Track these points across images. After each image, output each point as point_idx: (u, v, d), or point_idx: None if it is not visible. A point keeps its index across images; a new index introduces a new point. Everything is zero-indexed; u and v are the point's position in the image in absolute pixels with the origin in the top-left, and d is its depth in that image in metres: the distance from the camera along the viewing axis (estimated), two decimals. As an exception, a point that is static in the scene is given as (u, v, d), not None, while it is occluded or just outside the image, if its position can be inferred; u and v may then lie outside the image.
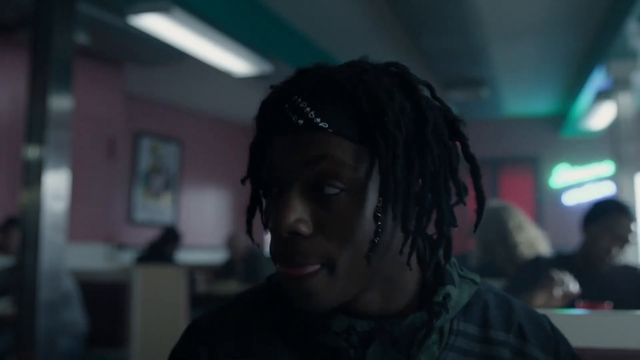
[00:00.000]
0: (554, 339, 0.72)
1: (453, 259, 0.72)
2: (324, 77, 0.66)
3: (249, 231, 0.77)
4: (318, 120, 0.62)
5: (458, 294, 0.69)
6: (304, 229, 0.61)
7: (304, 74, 0.69)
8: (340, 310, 0.67)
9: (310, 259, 0.61)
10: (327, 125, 0.62)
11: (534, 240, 2.83)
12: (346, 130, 0.62)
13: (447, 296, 0.67)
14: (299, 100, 0.65)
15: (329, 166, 0.61)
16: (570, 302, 1.92)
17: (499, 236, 2.81)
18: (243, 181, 0.75)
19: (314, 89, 0.65)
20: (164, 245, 5.42)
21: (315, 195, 0.62)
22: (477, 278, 0.73)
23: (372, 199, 0.62)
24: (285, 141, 0.64)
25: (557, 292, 1.81)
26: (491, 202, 3.00)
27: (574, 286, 1.83)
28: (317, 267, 0.61)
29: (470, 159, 0.74)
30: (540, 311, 0.77)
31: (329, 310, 0.64)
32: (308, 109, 0.63)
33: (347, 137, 0.62)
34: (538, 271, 2.24)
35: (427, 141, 0.65)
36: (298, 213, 0.61)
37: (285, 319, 0.70)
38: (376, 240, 0.62)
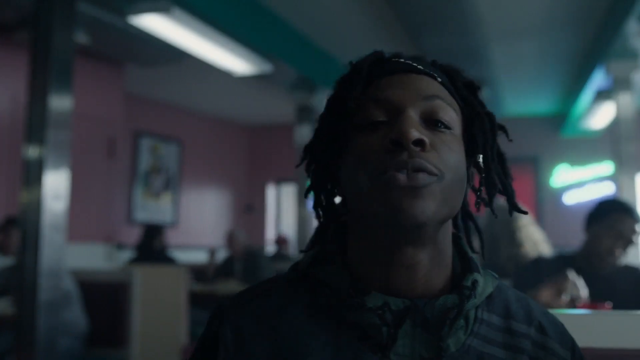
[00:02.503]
0: (569, 337, 0.75)
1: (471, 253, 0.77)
2: (411, 56, 0.76)
3: (318, 204, 0.78)
4: (428, 70, 0.73)
5: (484, 282, 0.72)
6: (427, 140, 0.66)
7: (382, 52, 0.78)
8: (375, 288, 0.69)
9: (430, 165, 0.65)
10: (436, 75, 0.73)
11: (538, 242, 2.85)
12: (449, 87, 0.73)
13: (475, 282, 0.70)
14: (401, 59, 0.74)
15: (443, 104, 0.70)
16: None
17: (505, 233, 2.82)
18: (311, 145, 0.78)
19: (410, 58, 0.75)
20: (149, 242, 5.38)
21: (428, 126, 0.69)
22: (497, 277, 0.76)
23: (463, 147, 0.72)
24: (400, 79, 0.71)
25: (567, 294, 1.80)
26: (499, 201, 2.99)
27: (584, 291, 1.83)
28: (433, 176, 0.66)
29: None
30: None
31: (426, 222, 0.66)
32: (415, 64, 0.73)
33: (450, 92, 0.73)
34: (539, 272, 2.24)
35: (494, 122, 0.77)
36: (419, 128, 0.67)
37: (313, 300, 0.71)
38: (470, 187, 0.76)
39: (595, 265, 2.25)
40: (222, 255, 5.76)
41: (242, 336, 0.70)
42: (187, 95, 7.15)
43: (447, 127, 0.69)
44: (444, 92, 0.72)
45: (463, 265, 0.74)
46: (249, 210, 8.71)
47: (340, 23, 4.78)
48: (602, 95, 5.47)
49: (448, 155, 0.68)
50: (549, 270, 2.25)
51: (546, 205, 7.64)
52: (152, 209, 7.09)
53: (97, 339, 3.67)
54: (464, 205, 0.79)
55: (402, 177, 0.64)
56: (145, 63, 5.39)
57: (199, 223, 7.66)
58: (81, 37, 4.20)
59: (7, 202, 4.49)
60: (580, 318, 1.06)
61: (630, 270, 2.29)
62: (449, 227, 0.72)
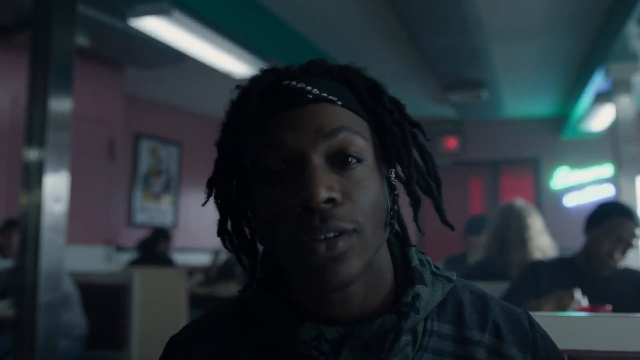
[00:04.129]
0: (531, 335, 0.70)
1: (427, 258, 0.72)
2: (303, 68, 0.68)
3: (238, 249, 0.72)
4: (325, 94, 0.64)
5: (430, 293, 0.68)
6: (337, 195, 0.61)
7: (272, 70, 0.69)
8: (309, 318, 0.66)
9: (346, 223, 0.60)
10: (336, 99, 0.64)
11: (547, 250, 2.80)
12: (353, 105, 0.65)
13: (416, 296, 0.66)
14: (293, 82, 0.65)
15: (349, 135, 0.62)
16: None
17: (519, 240, 2.75)
18: (213, 182, 0.71)
19: (302, 74, 0.67)
20: (153, 244, 5.38)
21: (335, 166, 0.63)
22: (453, 275, 0.71)
23: (380, 171, 0.66)
24: (294, 116, 0.63)
25: (569, 309, 1.79)
26: (517, 202, 2.91)
27: (584, 302, 1.82)
28: (351, 233, 0.61)
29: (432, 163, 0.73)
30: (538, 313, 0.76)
31: (353, 281, 0.62)
32: (309, 88, 0.64)
33: (355, 112, 0.65)
34: (538, 275, 2.24)
35: (405, 128, 0.69)
36: (327, 181, 0.60)
37: (258, 330, 0.69)
38: (395, 208, 0.68)
39: (595, 268, 2.25)
40: (225, 257, 5.77)
41: None
42: (187, 97, 7.15)
43: (358, 160, 0.63)
44: (347, 117, 0.64)
45: (408, 276, 0.69)
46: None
47: (340, 25, 4.78)
48: (602, 97, 5.47)
49: (363, 198, 0.62)
50: (548, 273, 2.25)
51: (546, 207, 7.64)
52: (152, 211, 7.08)
53: (97, 341, 3.67)
54: (399, 218, 0.72)
55: (320, 247, 0.60)
56: (145, 65, 5.39)
57: (199, 225, 7.65)
58: (81, 39, 4.21)
59: (7, 204, 4.48)
60: (580, 321, 1.06)
61: (630, 273, 2.29)
62: (383, 250, 0.68)
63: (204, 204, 0.71)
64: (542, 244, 2.79)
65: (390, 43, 5.09)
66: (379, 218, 0.64)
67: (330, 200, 0.60)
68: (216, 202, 0.71)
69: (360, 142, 0.64)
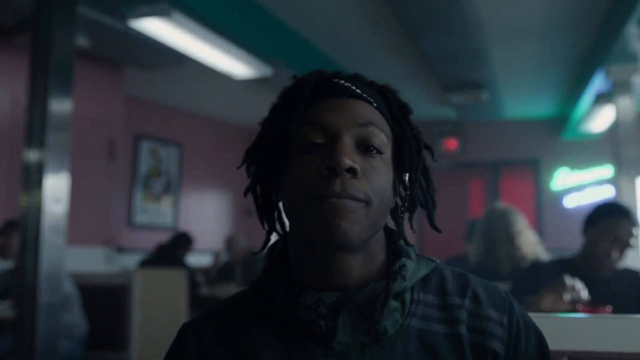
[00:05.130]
0: (507, 301, 0.80)
1: (413, 248, 0.83)
2: (350, 75, 0.83)
3: (269, 219, 0.86)
4: (365, 95, 0.79)
5: (415, 266, 0.79)
6: (358, 167, 0.73)
7: (324, 71, 0.83)
8: (310, 287, 0.76)
9: (359, 193, 0.73)
10: (372, 101, 0.79)
11: (535, 245, 2.92)
12: (384, 110, 0.80)
13: (402, 266, 0.77)
14: (342, 81, 0.80)
15: (376, 130, 0.77)
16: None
17: (505, 237, 2.90)
18: (251, 152, 0.84)
19: (350, 78, 0.81)
20: (174, 249, 5.34)
21: (360, 150, 0.76)
22: (436, 259, 0.83)
23: (392, 169, 0.79)
24: (339, 104, 0.77)
25: (567, 297, 1.80)
26: (499, 204, 3.14)
27: (584, 293, 1.83)
28: (361, 202, 0.73)
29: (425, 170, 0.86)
30: (539, 315, 0.78)
31: (350, 241, 0.73)
32: (354, 87, 0.79)
33: (384, 116, 0.80)
34: (538, 276, 2.24)
35: (421, 144, 0.83)
36: (352, 156, 0.74)
37: (264, 309, 0.79)
38: (401, 197, 0.82)
39: (593, 269, 2.25)
40: (225, 258, 5.76)
41: (202, 345, 0.78)
42: (187, 98, 7.15)
43: (379, 152, 0.77)
44: (378, 118, 0.79)
45: (396, 254, 0.81)
46: (250, 214, 8.71)
47: (340, 26, 4.78)
48: (602, 98, 5.48)
49: (377, 181, 0.75)
50: (548, 274, 2.25)
51: (546, 208, 7.64)
52: (152, 212, 7.08)
53: (97, 342, 3.67)
54: (397, 213, 0.84)
55: (332, 202, 0.72)
56: (145, 66, 5.39)
57: (199, 226, 7.65)
58: (81, 40, 4.21)
59: (7, 205, 4.49)
60: (580, 322, 1.06)
61: (629, 273, 2.29)
62: (380, 235, 0.80)
63: (239, 167, 0.87)
64: (529, 239, 2.91)
65: (390, 44, 5.09)
66: (383, 203, 0.76)
67: (351, 170, 0.73)
68: (249, 170, 0.85)
69: (383, 139, 0.78)
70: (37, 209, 2.67)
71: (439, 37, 4.46)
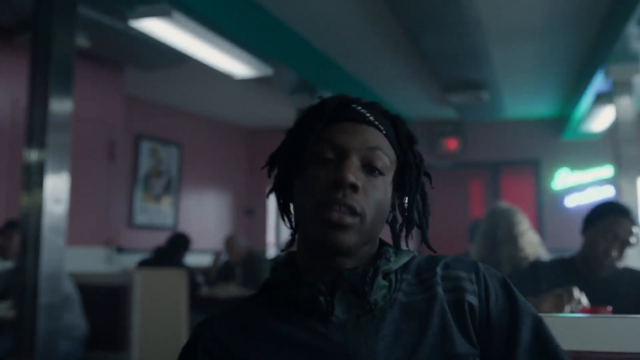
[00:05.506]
0: (472, 263, 0.92)
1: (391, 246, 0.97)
2: (368, 103, 0.95)
3: (285, 210, 0.98)
4: (377, 123, 0.92)
5: (398, 255, 0.93)
6: (359, 184, 0.86)
7: (345, 96, 0.96)
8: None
9: (357, 207, 0.85)
10: (382, 129, 0.92)
11: (537, 247, 2.90)
12: (391, 138, 0.93)
13: (386, 252, 0.91)
14: (359, 107, 0.93)
15: (381, 154, 0.89)
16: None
17: (509, 238, 2.88)
18: (275, 156, 0.97)
19: (367, 106, 0.94)
20: (172, 251, 5.32)
21: (365, 170, 0.88)
22: (414, 252, 0.96)
23: (392, 190, 0.92)
24: (352, 128, 0.90)
25: (568, 308, 1.79)
26: (501, 204, 3.11)
27: (584, 300, 1.82)
28: (357, 216, 0.85)
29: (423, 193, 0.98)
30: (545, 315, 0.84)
31: (347, 250, 0.85)
32: (368, 114, 0.92)
33: (391, 143, 0.92)
34: (538, 276, 2.24)
35: (421, 172, 0.95)
36: (356, 173, 0.86)
37: (272, 298, 0.92)
38: (400, 213, 0.95)
39: (593, 269, 2.25)
40: (225, 258, 5.76)
41: (216, 335, 0.89)
42: (187, 99, 7.15)
43: (381, 173, 0.89)
44: (385, 143, 0.91)
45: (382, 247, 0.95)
46: (250, 214, 8.71)
47: (341, 26, 4.78)
48: (603, 98, 5.47)
49: (374, 198, 0.87)
50: (548, 274, 2.25)
51: (547, 208, 7.64)
52: (153, 212, 7.08)
53: (97, 342, 3.67)
54: (395, 226, 0.96)
55: (334, 215, 0.84)
56: (145, 66, 5.39)
57: (200, 227, 7.65)
58: (81, 40, 4.21)
59: (7, 205, 4.49)
60: (581, 322, 1.06)
61: (630, 273, 2.29)
62: (374, 241, 0.93)
63: (263, 168, 0.99)
64: (532, 240, 2.89)
65: (390, 44, 5.09)
66: (378, 217, 0.89)
67: (353, 186, 0.85)
68: (271, 173, 0.98)
69: (387, 162, 0.90)
70: (37, 209, 2.67)
71: (439, 37, 4.46)
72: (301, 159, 0.91)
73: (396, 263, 0.91)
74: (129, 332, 3.69)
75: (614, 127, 4.89)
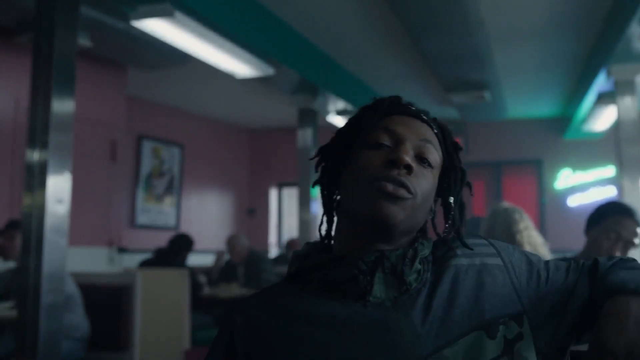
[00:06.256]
0: (476, 235, 1.00)
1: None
2: (421, 109, 1.00)
3: (330, 208, 1.00)
4: (428, 121, 0.97)
5: (427, 242, 0.97)
6: (414, 166, 0.89)
7: (399, 97, 1.01)
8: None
9: (409, 187, 0.88)
10: (433, 127, 0.97)
11: (537, 245, 2.89)
12: (440, 139, 0.97)
13: (419, 237, 0.96)
14: (413, 107, 0.98)
15: (432, 148, 0.94)
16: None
17: (507, 235, 2.87)
18: (326, 148, 1.01)
19: (418, 108, 1.00)
20: (175, 252, 5.31)
21: (416, 160, 0.92)
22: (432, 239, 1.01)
23: (435, 187, 0.95)
24: (407, 120, 0.95)
25: None
26: (503, 204, 3.11)
27: None
28: (410, 194, 0.88)
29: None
30: None
31: (395, 224, 0.88)
32: (421, 113, 0.98)
33: (440, 144, 0.97)
34: None
35: (465, 176, 1.00)
36: (411, 157, 0.90)
37: (305, 282, 0.93)
38: (433, 206, 0.98)
39: (597, 269, 2.25)
40: (227, 258, 5.76)
41: (249, 318, 0.90)
42: (189, 99, 7.16)
43: (430, 166, 0.93)
44: (435, 140, 0.96)
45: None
46: (251, 213, 8.71)
47: (342, 26, 4.78)
48: (605, 98, 5.46)
49: (424, 184, 0.91)
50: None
51: (549, 208, 7.63)
52: (154, 212, 7.09)
53: (99, 342, 3.67)
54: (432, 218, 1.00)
55: (389, 186, 0.87)
56: (147, 66, 5.39)
57: (201, 226, 7.66)
58: (83, 41, 4.21)
59: (9, 206, 4.49)
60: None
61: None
62: (413, 235, 0.95)
63: (311, 158, 1.04)
64: (532, 239, 2.87)
65: (391, 44, 5.09)
66: (425, 204, 0.92)
67: (408, 167, 0.88)
68: (318, 166, 1.01)
69: (436, 158, 0.94)
70: (39, 209, 2.67)
71: (441, 37, 4.45)
72: (354, 148, 0.95)
73: (428, 248, 0.95)
74: (130, 332, 3.69)
75: (616, 127, 4.89)
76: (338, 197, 0.99)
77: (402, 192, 0.87)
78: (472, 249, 0.95)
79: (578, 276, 0.92)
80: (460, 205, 0.99)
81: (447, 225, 0.97)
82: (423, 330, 0.85)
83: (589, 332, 0.87)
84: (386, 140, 0.92)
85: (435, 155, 0.94)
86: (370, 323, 0.86)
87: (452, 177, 0.97)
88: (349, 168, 0.94)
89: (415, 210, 0.89)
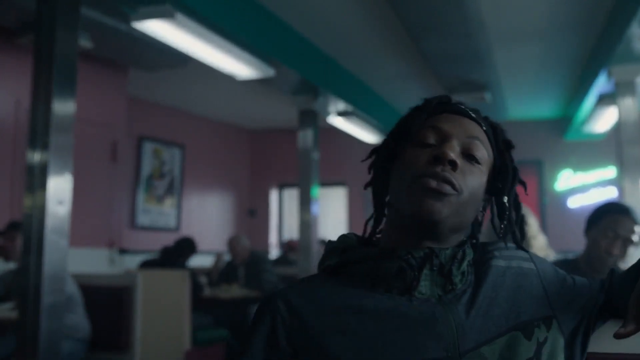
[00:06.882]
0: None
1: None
2: (472, 107, 1.00)
3: (379, 203, 0.99)
4: (478, 119, 0.97)
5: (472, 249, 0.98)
6: (459, 162, 0.89)
7: (448, 96, 1.01)
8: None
9: (454, 183, 0.87)
10: (482, 124, 0.97)
11: (546, 250, 2.89)
12: (490, 136, 0.97)
13: (468, 240, 0.96)
14: (462, 105, 0.99)
15: (480, 145, 0.93)
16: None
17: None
18: (378, 148, 1.01)
19: (468, 106, 1.00)
20: (178, 254, 5.32)
21: (463, 156, 0.91)
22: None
23: (485, 185, 0.94)
24: (454, 118, 0.95)
25: None
26: None
27: None
28: (454, 190, 0.87)
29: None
30: None
31: (440, 221, 0.87)
32: (470, 111, 0.98)
33: (490, 142, 0.96)
34: None
35: (517, 175, 0.99)
36: (456, 154, 0.90)
37: (346, 275, 0.93)
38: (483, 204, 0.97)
39: (597, 269, 2.25)
40: (227, 259, 5.76)
41: (293, 307, 0.89)
42: (190, 100, 7.16)
43: (478, 163, 0.92)
44: (483, 137, 0.95)
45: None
46: (252, 214, 8.72)
47: (343, 27, 4.78)
48: (605, 99, 5.46)
49: (471, 180, 0.90)
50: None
51: (550, 209, 7.63)
52: (155, 213, 7.09)
53: (100, 343, 3.67)
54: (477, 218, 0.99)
55: (433, 182, 0.86)
56: (148, 67, 5.40)
57: (202, 228, 7.66)
58: (84, 42, 4.21)
59: (10, 207, 4.49)
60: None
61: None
62: (462, 235, 0.95)
63: (363, 160, 1.04)
64: (540, 243, 2.87)
65: (392, 45, 5.09)
66: (473, 201, 0.91)
67: (453, 163, 0.87)
68: (372, 164, 1.01)
69: (484, 154, 0.93)
70: (40, 210, 2.68)
71: (441, 37, 4.46)
72: (402, 148, 0.95)
73: (472, 254, 0.96)
74: (131, 333, 3.69)
75: (617, 128, 4.89)
76: (388, 197, 0.99)
77: (447, 188, 0.87)
78: (527, 250, 0.97)
79: (601, 282, 0.97)
80: (516, 205, 0.98)
81: (502, 226, 0.97)
82: (467, 325, 0.87)
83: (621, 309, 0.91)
84: (433, 138, 0.93)
85: (483, 152, 0.93)
86: (418, 315, 0.87)
87: (503, 177, 0.97)
88: (396, 167, 0.95)
89: (461, 207, 0.89)
